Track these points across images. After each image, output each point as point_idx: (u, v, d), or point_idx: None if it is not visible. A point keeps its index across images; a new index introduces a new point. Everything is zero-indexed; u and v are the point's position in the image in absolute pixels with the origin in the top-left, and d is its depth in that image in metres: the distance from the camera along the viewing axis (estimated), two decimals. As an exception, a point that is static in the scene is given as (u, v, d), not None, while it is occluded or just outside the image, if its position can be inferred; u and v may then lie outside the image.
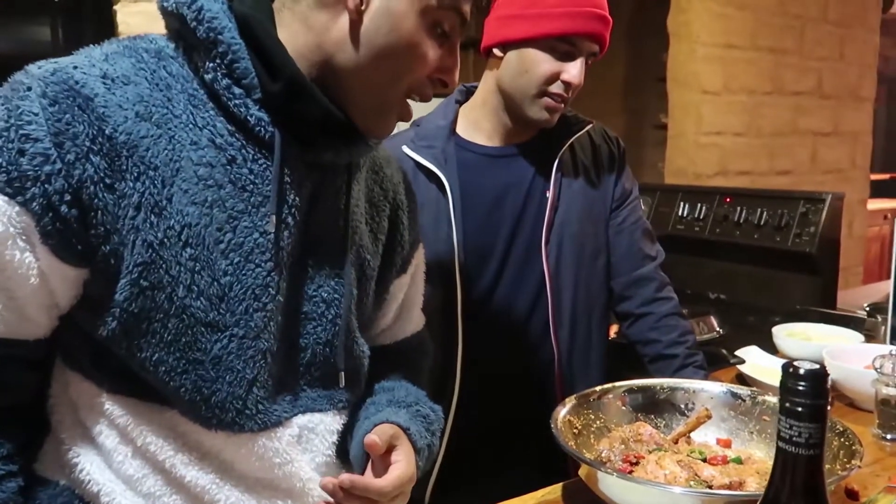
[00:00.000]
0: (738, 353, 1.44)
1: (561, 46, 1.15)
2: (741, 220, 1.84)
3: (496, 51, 1.21)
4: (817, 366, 0.52)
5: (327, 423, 0.80)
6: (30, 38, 3.93)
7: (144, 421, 0.71)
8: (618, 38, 5.00)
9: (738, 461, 0.95)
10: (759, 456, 0.99)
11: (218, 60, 0.67)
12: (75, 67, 0.64)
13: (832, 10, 3.37)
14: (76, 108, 0.62)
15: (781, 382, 0.53)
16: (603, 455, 0.97)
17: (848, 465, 0.84)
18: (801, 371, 0.52)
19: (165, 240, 0.65)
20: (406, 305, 0.97)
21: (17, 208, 0.62)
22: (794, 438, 0.52)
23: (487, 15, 1.19)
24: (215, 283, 0.68)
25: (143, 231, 0.65)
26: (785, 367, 0.53)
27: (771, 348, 1.50)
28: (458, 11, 0.73)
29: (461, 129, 1.29)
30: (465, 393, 1.22)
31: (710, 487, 0.86)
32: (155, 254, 0.65)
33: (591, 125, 1.30)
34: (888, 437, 1.11)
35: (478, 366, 1.23)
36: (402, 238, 0.91)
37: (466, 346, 1.22)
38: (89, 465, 0.72)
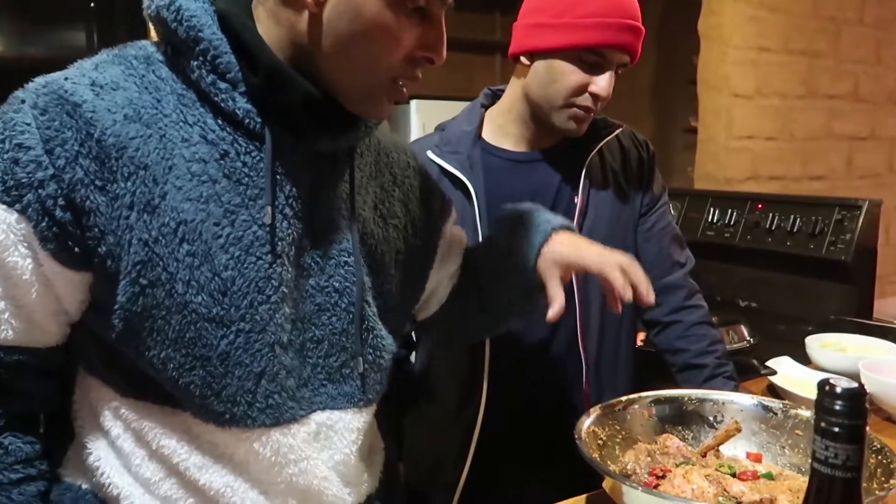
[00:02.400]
0: (769, 363, 1.40)
1: (590, 58, 1.12)
2: (773, 227, 1.79)
3: (523, 59, 1.19)
4: (855, 384, 0.50)
5: (347, 421, 0.79)
6: (66, 42, 4.02)
7: (158, 424, 0.72)
8: (648, 39, 4.94)
9: (770, 477, 0.92)
10: (791, 472, 0.96)
11: (201, 58, 0.68)
12: (66, 79, 0.66)
13: (869, 12, 3.29)
14: (65, 115, 0.64)
15: (817, 401, 0.51)
16: (628, 467, 0.94)
17: (886, 485, 0.80)
18: (839, 389, 0.49)
19: (160, 237, 0.66)
20: (451, 275, 1.00)
21: (15, 216, 0.64)
22: (831, 460, 0.50)
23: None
24: (216, 278, 0.68)
25: (137, 229, 0.66)
26: (821, 385, 0.51)
27: (804, 359, 1.46)
28: None
29: (487, 134, 1.27)
30: (492, 402, 1.20)
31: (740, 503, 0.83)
32: (150, 251, 0.66)
33: (620, 129, 1.28)
34: (927, 453, 1.07)
35: (505, 375, 1.21)
36: (419, 220, 0.91)
37: (493, 355, 1.20)
38: (109, 469, 0.73)
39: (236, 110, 0.68)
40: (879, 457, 0.87)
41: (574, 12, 1.11)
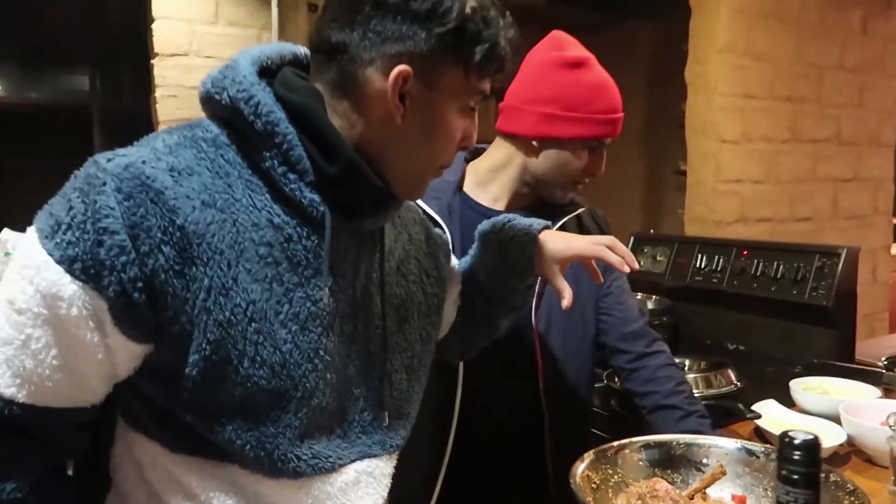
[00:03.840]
0: (755, 406, 1.46)
1: (594, 144, 1.31)
2: (758, 273, 1.86)
3: (534, 142, 1.32)
4: (811, 436, 0.56)
5: (381, 468, 0.87)
6: (69, 87, 4.12)
7: (207, 477, 0.76)
8: (639, 85, 5.09)
9: (753, 518, 0.97)
10: (773, 513, 1.01)
11: (275, 150, 0.73)
12: (144, 162, 0.69)
13: (850, 58, 3.42)
14: (149, 202, 0.67)
15: (778, 451, 0.57)
16: (620, 510, 1.00)
17: (856, 525, 0.86)
18: (797, 441, 0.56)
19: (233, 318, 0.70)
20: (454, 302, 1.09)
21: (91, 293, 0.66)
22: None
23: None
24: (277, 352, 0.73)
25: (214, 312, 0.69)
26: (781, 437, 0.57)
27: (789, 401, 1.52)
28: (481, 92, 0.80)
29: (468, 187, 1.38)
30: (459, 442, 1.28)
31: (724, 545, 0.88)
32: (224, 332, 0.70)
33: (583, 209, 1.42)
34: (905, 494, 1.13)
35: (472, 420, 1.29)
36: (430, 270, 0.99)
37: (463, 397, 1.28)
38: None
39: (302, 199, 0.74)
40: (853, 498, 0.93)
41: (586, 108, 1.27)
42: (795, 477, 0.55)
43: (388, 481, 0.88)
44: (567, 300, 1.02)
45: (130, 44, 2.95)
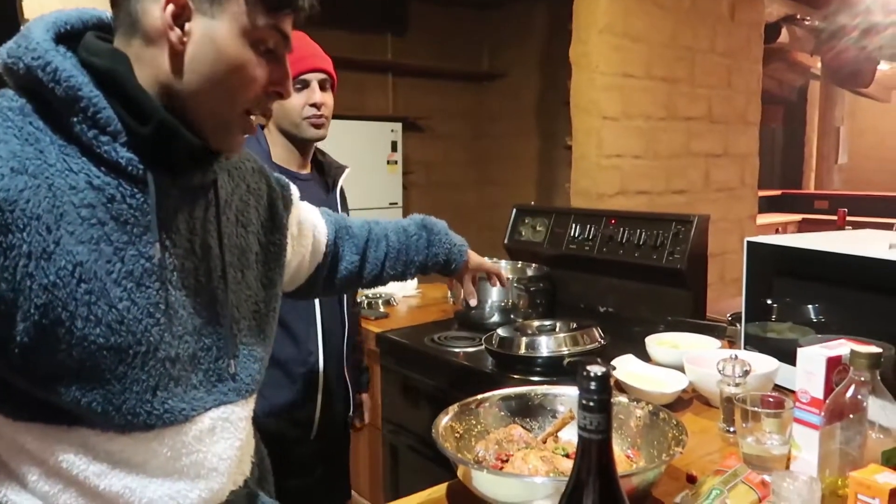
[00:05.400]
0: (615, 360, 1.60)
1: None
2: (623, 240, 2.02)
3: None
4: (603, 368, 0.66)
5: (238, 413, 0.90)
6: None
7: (53, 441, 0.76)
8: (532, 65, 5.23)
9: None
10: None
11: (81, 115, 0.73)
12: None
13: (720, 43, 3.66)
14: None
15: (577, 383, 0.67)
16: (479, 455, 1.09)
17: (670, 452, 0.99)
18: (591, 373, 0.65)
19: (58, 280, 0.71)
20: (309, 249, 1.19)
21: None
22: (588, 427, 0.66)
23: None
24: (113, 310, 0.75)
25: (37, 276, 0.70)
26: (579, 370, 0.67)
27: (646, 356, 1.67)
28: (278, 30, 0.80)
29: (276, 158, 1.63)
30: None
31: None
32: (51, 294, 0.71)
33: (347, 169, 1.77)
34: (731, 429, 1.28)
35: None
36: (267, 220, 1.03)
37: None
38: (5, 489, 0.78)
39: (119, 160, 0.75)
40: (675, 431, 1.06)
41: None
42: (591, 403, 0.65)
43: (244, 424, 0.92)
44: (475, 300, 1.46)
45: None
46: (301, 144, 1.66)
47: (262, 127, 1.65)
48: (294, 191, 1.13)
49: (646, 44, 3.32)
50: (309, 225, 1.18)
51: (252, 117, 0.85)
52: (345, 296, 1.71)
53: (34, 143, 0.72)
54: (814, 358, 1.04)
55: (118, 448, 0.79)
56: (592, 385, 0.65)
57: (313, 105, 1.60)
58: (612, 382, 0.67)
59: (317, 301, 1.60)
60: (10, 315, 0.70)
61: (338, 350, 1.69)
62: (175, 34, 0.76)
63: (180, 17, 0.76)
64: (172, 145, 0.78)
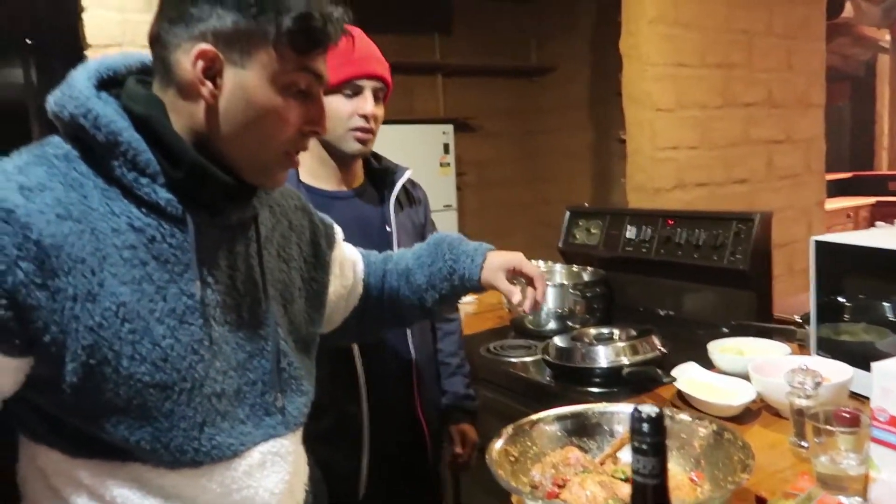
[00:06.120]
0: (676, 369, 1.54)
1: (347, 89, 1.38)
2: (682, 241, 1.95)
3: None
4: (656, 409, 0.63)
5: (286, 446, 0.92)
6: (3, 81, 4.00)
7: (108, 477, 0.79)
8: (581, 56, 5.14)
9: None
10: (675, 471, 1.09)
11: (122, 158, 0.76)
12: None
13: (777, 23, 3.51)
14: (1, 223, 0.69)
15: (630, 425, 0.63)
16: (535, 480, 1.07)
17: (736, 479, 0.94)
18: (643, 415, 0.62)
19: (103, 321, 0.74)
20: (347, 289, 1.18)
21: None
22: (641, 471, 0.62)
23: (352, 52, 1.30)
24: (157, 348, 0.77)
25: (83, 318, 0.73)
26: (631, 413, 0.63)
27: (709, 363, 1.61)
28: (308, 70, 0.82)
29: (304, 177, 1.46)
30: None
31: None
32: (96, 335, 0.73)
33: (408, 172, 1.57)
34: (803, 444, 1.21)
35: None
36: (310, 256, 1.04)
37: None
38: None
39: (158, 200, 0.78)
40: (741, 455, 1.01)
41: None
42: (644, 447, 0.62)
43: (293, 458, 0.93)
44: (522, 302, 1.16)
45: (62, 35, 2.88)
46: (341, 159, 1.46)
47: None
48: (338, 231, 1.14)
49: (698, 30, 3.20)
50: (349, 265, 1.18)
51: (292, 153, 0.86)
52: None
53: (78, 188, 0.75)
54: (891, 373, 0.97)
55: (170, 483, 0.81)
56: (645, 427, 0.62)
57: (363, 116, 1.40)
58: (665, 423, 0.63)
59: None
60: (59, 356, 0.73)
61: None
62: (207, 89, 0.78)
63: (211, 69, 0.78)
64: (207, 187, 0.80)
